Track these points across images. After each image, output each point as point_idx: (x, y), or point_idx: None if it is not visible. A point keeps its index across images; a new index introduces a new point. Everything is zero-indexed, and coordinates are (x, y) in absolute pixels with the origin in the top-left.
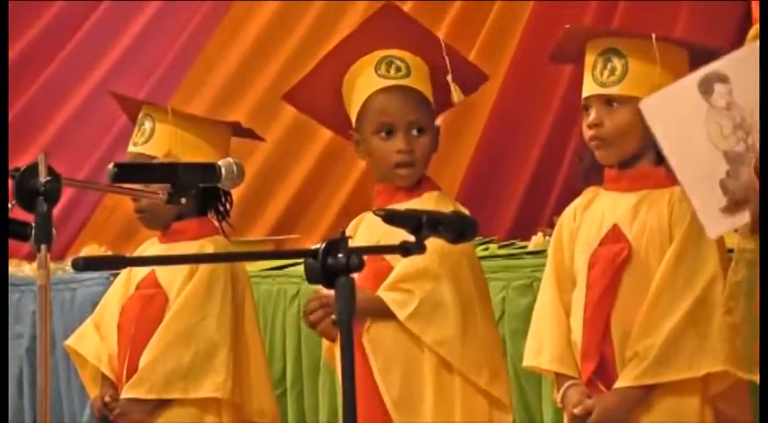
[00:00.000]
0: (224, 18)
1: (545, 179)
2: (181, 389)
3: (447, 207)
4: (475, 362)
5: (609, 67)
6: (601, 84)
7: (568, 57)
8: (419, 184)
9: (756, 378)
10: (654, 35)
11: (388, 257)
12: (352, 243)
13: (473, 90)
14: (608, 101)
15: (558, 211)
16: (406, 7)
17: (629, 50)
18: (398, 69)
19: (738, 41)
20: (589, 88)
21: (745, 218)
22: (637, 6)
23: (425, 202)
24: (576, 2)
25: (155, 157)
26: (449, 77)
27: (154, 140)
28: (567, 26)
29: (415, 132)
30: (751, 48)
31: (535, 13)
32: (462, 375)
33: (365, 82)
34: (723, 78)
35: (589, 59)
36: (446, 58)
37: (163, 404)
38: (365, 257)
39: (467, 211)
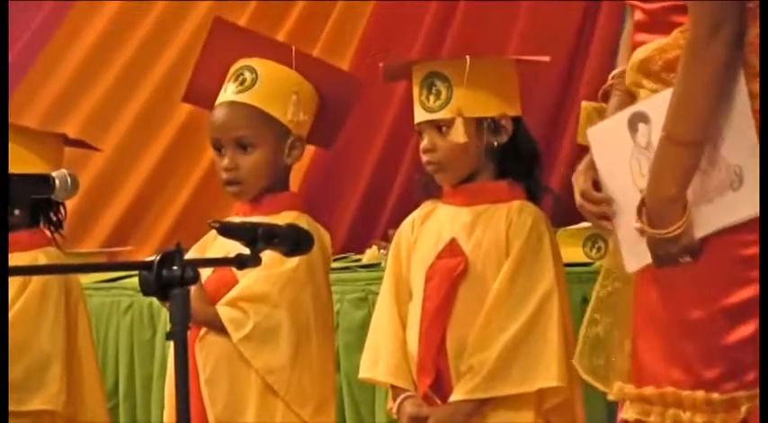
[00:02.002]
0: (59, 28)
1: (379, 192)
2: (14, 401)
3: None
4: (301, 394)
5: (434, 91)
6: (428, 109)
7: (399, 77)
8: (279, 200)
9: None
10: (468, 57)
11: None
12: (204, 254)
13: (350, 101)
14: (438, 125)
15: (393, 224)
16: (249, 8)
17: (452, 73)
18: (242, 82)
19: (576, 41)
20: (419, 115)
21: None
22: (476, 6)
23: (282, 220)
24: (417, 2)
25: None
26: (294, 96)
27: None
28: (383, 64)
29: (242, 149)
30: (668, 92)
31: (376, 14)
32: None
33: (221, 93)
34: (645, 118)
35: (415, 85)
36: (293, 67)
37: None
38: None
39: (326, 234)
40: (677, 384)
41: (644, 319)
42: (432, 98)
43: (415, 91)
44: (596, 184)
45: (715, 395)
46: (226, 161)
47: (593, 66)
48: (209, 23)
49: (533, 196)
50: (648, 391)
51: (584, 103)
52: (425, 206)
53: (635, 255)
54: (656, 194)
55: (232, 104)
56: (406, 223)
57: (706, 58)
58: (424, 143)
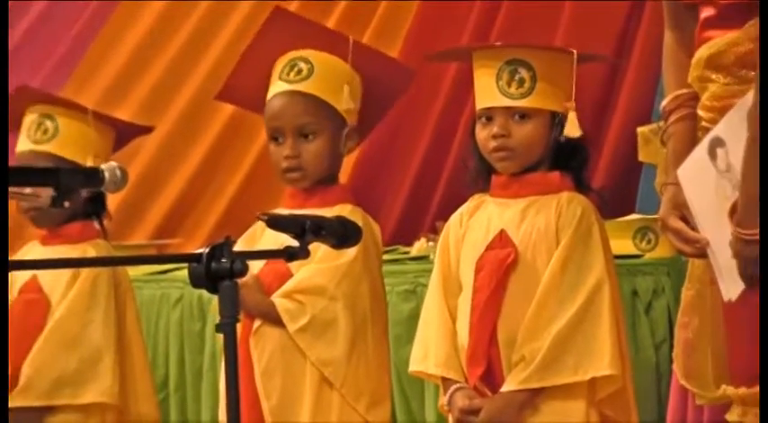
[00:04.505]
0: (109, 18)
1: (427, 185)
2: (68, 395)
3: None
4: (356, 387)
5: (517, 78)
6: (509, 95)
7: (453, 58)
8: (333, 193)
9: (713, 395)
10: (575, 52)
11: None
12: (252, 246)
13: (401, 90)
14: (516, 113)
15: (440, 216)
16: (292, 7)
17: (537, 63)
18: (299, 72)
19: (619, 41)
20: (494, 99)
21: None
22: (520, 6)
23: (336, 213)
24: (461, 2)
25: (59, 157)
26: (346, 87)
27: (63, 140)
28: (481, 43)
29: (304, 138)
30: (736, 108)
31: (421, 12)
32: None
33: (272, 86)
34: (721, 142)
35: (489, 69)
36: (350, 57)
37: (48, 410)
38: None
39: (377, 227)
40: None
41: (729, 321)
42: (514, 85)
43: (486, 75)
44: (685, 221)
45: None
46: (287, 150)
47: (637, 64)
48: (254, 21)
49: (582, 188)
50: (742, 391)
51: (639, 129)
52: (474, 199)
53: (733, 282)
54: (748, 194)
55: (292, 93)
56: (455, 217)
57: None
58: (496, 129)
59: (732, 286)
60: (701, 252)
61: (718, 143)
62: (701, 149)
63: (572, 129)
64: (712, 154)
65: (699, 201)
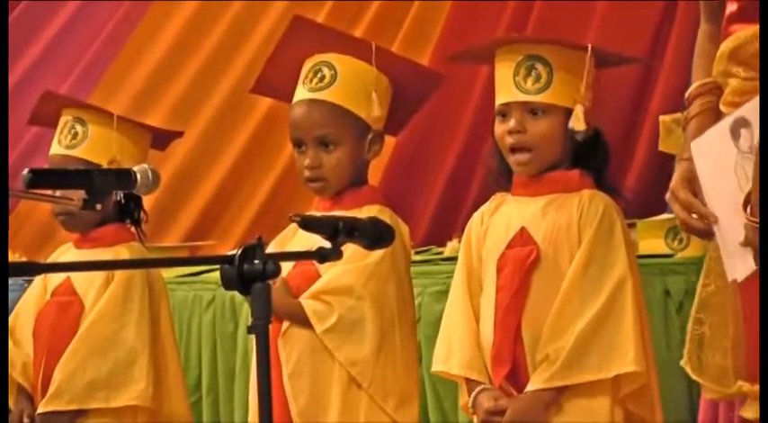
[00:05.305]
0: (141, 20)
1: (460, 185)
2: (102, 398)
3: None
4: (384, 387)
5: (533, 74)
6: (524, 91)
7: (476, 59)
8: (361, 194)
9: (729, 391)
10: (590, 46)
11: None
12: (284, 248)
13: (428, 93)
14: (531, 108)
15: None
16: (326, 8)
17: (554, 58)
18: (322, 79)
19: (652, 42)
20: (510, 94)
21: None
22: (552, 6)
23: (365, 214)
24: (494, 2)
25: (88, 162)
26: (373, 94)
27: (92, 145)
28: (500, 37)
29: (324, 147)
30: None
31: (453, 14)
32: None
33: (297, 90)
34: (746, 123)
35: (507, 64)
36: (373, 61)
37: (81, 413)
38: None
39: (406, 227)
40: None
41: (748, 318)
42: (530, 80)
43: (505, 71)
44: (696, 197)
45: None
46: (308, 160)
47: (670, 65)
48: (287, 22)
49: (604, 187)
50: (758, 388)
51: (661, 117)
52: (495, 198)
53: (741, 264)
54: None
55: (313, 102)
56: (476, 215)
57: None
58: (512, 124)
59: (741, 267)
60: (707, 228)
61: (743, 123)
62: (723, 127)
63: (576, 122)
64: (735, 133)
65: (710, 177)
